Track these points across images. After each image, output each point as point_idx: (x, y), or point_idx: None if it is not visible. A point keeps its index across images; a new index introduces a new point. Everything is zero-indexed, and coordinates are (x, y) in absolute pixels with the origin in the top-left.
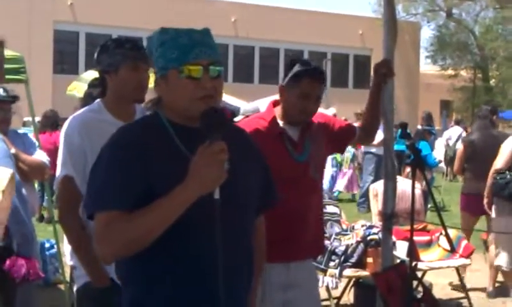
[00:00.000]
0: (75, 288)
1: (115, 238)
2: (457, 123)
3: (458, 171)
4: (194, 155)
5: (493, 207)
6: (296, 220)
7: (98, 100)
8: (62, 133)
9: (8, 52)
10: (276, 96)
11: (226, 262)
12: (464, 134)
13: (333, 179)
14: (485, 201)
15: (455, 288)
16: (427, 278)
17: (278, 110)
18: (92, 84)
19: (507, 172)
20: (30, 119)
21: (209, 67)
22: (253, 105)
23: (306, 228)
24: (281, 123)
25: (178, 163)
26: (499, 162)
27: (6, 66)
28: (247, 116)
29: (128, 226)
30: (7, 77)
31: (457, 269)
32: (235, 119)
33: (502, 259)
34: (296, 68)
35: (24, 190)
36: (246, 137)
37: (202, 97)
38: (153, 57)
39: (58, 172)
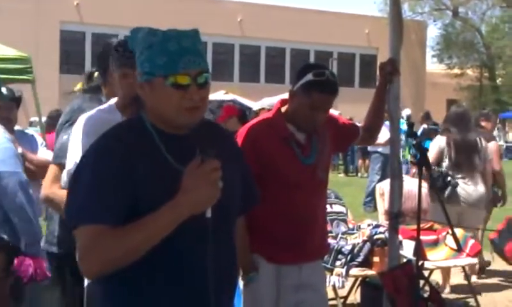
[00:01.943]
0: (85, 284)
1: (101, 254)
2: None
3: None
4: (182, 165)
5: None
6: (306, 223)
7: (112, 100)
8: (76, 130)
9: (14, 53)
10: (285, 95)
11: (215, 276)
12: None
13: None
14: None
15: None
16: (434, 277)
17: (285, 111)
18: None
19: (435, 167)
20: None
21: (197, 76)
22: (270, 100)
23: (316, 229)
24: (288, 125)
25: (167, 173)
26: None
27: (13, 66)
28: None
29: (115, 242)
30: (14, 77)
31: (464, 268)
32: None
33: None
34: (309, 77)
35: (30, 190)
36: (225, 137)
37: (189, 108)
38: (137, 58)
39: (70, 166)
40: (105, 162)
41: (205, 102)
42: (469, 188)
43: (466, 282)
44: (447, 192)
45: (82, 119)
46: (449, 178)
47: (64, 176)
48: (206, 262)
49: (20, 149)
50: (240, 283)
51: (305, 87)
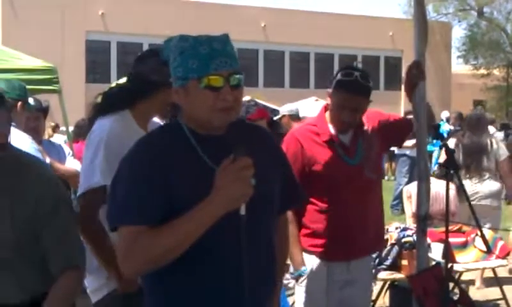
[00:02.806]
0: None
1: (139, 254)
2: (491, 122)
3: None
4: (218, 165)
5: None
6: (355, 221)
7: (126, 109)
8: (101, 139)
9: (41, 63)
10: (308, 101)
11: (251, 273)
12: (497, 134)
13: None
14: None
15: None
16: (464, 280)
17: (328, 115)
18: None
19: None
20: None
21: (230, 77)
22: (291, 106)
23: (366, 227)
24: (332, 128)
25: (202, 174)
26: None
27: (40, 76)
28: (284, 116)
29: (153, 242)
30: (40, 87)
31: (493, 270)
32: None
33: None
34: (338, 76)
35: None
36: (265, 138)
37: (223, 108)
38: (171, 64)
39: (97, 180)
40: (141, 167)
41: (238, 103)
42: (476, 187)
43: (496, 284)
44: None
45: (111, 128)
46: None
47: None
48: (241, 259)
49: (47, 159)
50: (291, 282)
51: (334, 86)
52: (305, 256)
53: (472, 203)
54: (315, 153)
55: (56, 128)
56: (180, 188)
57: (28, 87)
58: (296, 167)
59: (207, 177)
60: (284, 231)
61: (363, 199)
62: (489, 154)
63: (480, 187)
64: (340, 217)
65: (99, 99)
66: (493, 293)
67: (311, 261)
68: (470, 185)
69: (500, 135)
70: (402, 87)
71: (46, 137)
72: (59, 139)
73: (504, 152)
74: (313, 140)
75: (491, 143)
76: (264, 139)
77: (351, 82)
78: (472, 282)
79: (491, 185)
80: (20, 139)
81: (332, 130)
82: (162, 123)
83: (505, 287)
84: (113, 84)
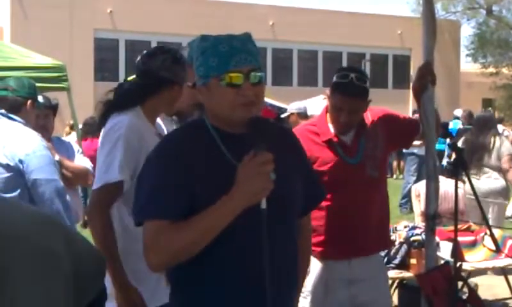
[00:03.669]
0: None
1: (163, 248)
2: (500, 121)
3: None
4: (241, 162)
5: None
6: (355, 219)
7: (137, 106)
8: (120, 135)
9: (49, 61)
10: (316, 99)
11: (272, 269)
12: (507, 133)
13: None
14: None
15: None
16: (473, 279)
17: (329, 115)
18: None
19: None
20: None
21: (250, 74)
22: (297, 105)
23: (368, 225)
24: (332, 128)
25: (225, 171)
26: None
27: (49, 74)
28: (292, 114)
29: (176, 236)
30: (49, 85)
31: (503, 269)
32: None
33: None
34: (334, 78)
35: (68, 197)
36: (287, 135)
37: (243, 104)
38: (194, 64)
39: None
40: (165, 163)
41: (259, 98)
42: (478, 183)
43: (505, 283)
44: None
45: (129, 123)
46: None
47: None
48: (262, 253)
49: (57, 157)
50: None
51: (331, 88)
52: None
53: (471, 198)
54: (314, 152)
55: (73, 127)
56: (204, 185)
57: (37, 85)
58: None
59: (230, 173)
60: (308, 233)
61: (365, 197)
62: (491, 152)
63: (479, 184)
64: (339, 215)
65: (110, 96)
66: (503, 292)
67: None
68: (473, 183)
69: None
70: (411, 85)
71: (64, 135)
72: (71, 137)
73: (506, 149)
74: (312, 140)
75: (495, 141)
76: (288, 139)
77: (346, 84)
78: (480, 281)
79: (490, 183)
80: (29, 137)
81: (332, 130)
82: (161, 123)
83: None
84: (122, 81)
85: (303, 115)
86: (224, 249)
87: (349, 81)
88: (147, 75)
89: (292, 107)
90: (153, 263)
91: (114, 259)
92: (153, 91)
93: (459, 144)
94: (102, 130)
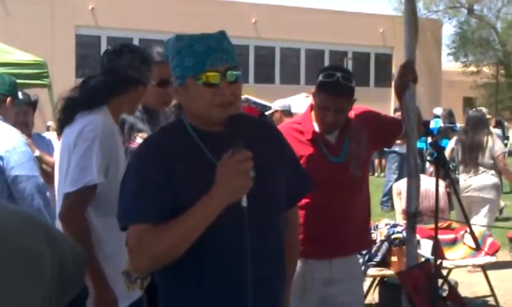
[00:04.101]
0: None
1: (147, 250)
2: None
3: None
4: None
5: None
6: (338, 219)
7: (104, 105)
8: (96, 136)
9: (30, 58)
10: (298, 97)
11: (256, 267)
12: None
13: None
14: None
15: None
16: (452, 276)
17: (314, 114)
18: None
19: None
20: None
21: (227, 72)
22: (282, 102)
23: (350, 225)
24: (316, 126)
25: (205, 170)
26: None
27: (29, 71)
28: (276, 112)
29: (158, 239)
30: (30, 81)
31: (482, 267)
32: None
33: None
34: (320, 77)
35: (48, 193)
36: (269, 130)
37: (221, 103)
38: (170, 65)
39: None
40: (145, 166)
41: (237, 97)
42: (471, 180)
43: (485, 280)
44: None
45: (103, 124)
46: (452, 173)
47: None
48: (244, 251)
49: (37, 152)
50: None
51: (316, 87)
52: None
53: (466, 194)
54: (298, 151)
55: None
56: (185, 185)
57: (18, 81)
58: None
59: (211, 173)
60: (295, 227)
61: (348, 197)
62: (484, 150)
63: (474, 180)
64: (322, 214)
65: (73, 93)
66: (482, 289)
67: None
68: (465, 179)
69: (498, 131)
70: (393, 83)
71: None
72: (52, 134)
73: (499, 148)
74: (296, 138)
75: (487, 140)
76: (270, 133)
77: (332, 83)
78: (460, 278)
79: (484, 179)
80: (9, 134)
81: (317, 128)
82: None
83: (493, 283)
84: (87, 78)
85: (287, 113)
86: (207, 248)
87: (335, 80)
88: (114, 74)
89: (277, 105)
90: (138, 267)
91: (93, 261)
92: (120, 90)
93: (452, 143)
94: (71, 129)
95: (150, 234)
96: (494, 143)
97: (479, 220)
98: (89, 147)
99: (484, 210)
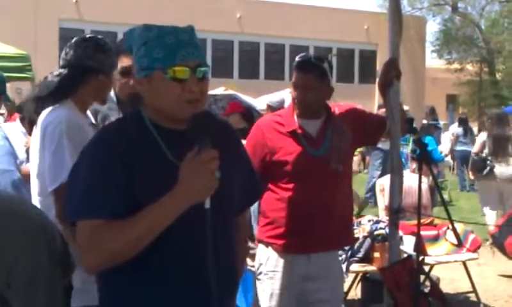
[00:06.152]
0: None
1: (100, 248)
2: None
3: None
4: (181, 161)
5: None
6: (317, 212)
7: (68, 98)
8: (61, 131)
9: (13, 51)
10: (282, 93)
11: (217, 269)
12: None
13: None
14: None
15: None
16: (434, 272)
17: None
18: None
19: (478, 154)
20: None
21: (196, 69)
22: (270, 98)
23: (330, 220)
24: (298, 119)
25: (164, 170)
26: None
27: (12, 64)
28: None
29: (115, 236)
30: (13, 74)
31: (464, 263)
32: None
33: None
34: (296, 58)
35: (23, 189)
36: (229, 133)
37: (189, 100)
38: (134, 55)
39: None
40: (100, 160)
41: (204, 95)
42: (502, 168)
43: (466, 276)
44: (485, 171)
45: (72, 119)
46: (488, 162)
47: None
48: (206, 253)
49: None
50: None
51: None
52: (263, 249)
53: (499, 181)
54: (277, 143)
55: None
56: (142, 183)
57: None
58: (256, 155)
59: (171, 172)
60: (244, 232)
61: (328, 191)
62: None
63: (506, 170)
64: (300, 207)
65: (36, 91)
66: (464, 286)
67: (268, 254)
68: (499, 169)
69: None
70: (377, 80)
71: None
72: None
73: None
74: (276, 130)
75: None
76: (228, 134)
77: (303, 61)
78: (442, 275)
79: None
80: None
81: (297, 121)
82: (89, 114)
83: (475, 280)
84: (47, 74)
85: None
86: (168, 249)
87: (307, 59)
88: (71, 66)
89: (265, 100)
90: (89, 265)
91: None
92: (80, 81)
93: (483, 137)
94: (36, 129)
95: (103, 231)
96: None
97: None
98: (58, 144)
99: None
